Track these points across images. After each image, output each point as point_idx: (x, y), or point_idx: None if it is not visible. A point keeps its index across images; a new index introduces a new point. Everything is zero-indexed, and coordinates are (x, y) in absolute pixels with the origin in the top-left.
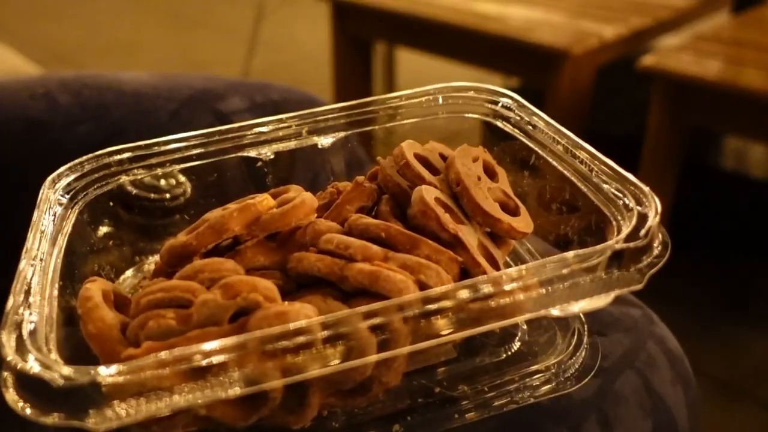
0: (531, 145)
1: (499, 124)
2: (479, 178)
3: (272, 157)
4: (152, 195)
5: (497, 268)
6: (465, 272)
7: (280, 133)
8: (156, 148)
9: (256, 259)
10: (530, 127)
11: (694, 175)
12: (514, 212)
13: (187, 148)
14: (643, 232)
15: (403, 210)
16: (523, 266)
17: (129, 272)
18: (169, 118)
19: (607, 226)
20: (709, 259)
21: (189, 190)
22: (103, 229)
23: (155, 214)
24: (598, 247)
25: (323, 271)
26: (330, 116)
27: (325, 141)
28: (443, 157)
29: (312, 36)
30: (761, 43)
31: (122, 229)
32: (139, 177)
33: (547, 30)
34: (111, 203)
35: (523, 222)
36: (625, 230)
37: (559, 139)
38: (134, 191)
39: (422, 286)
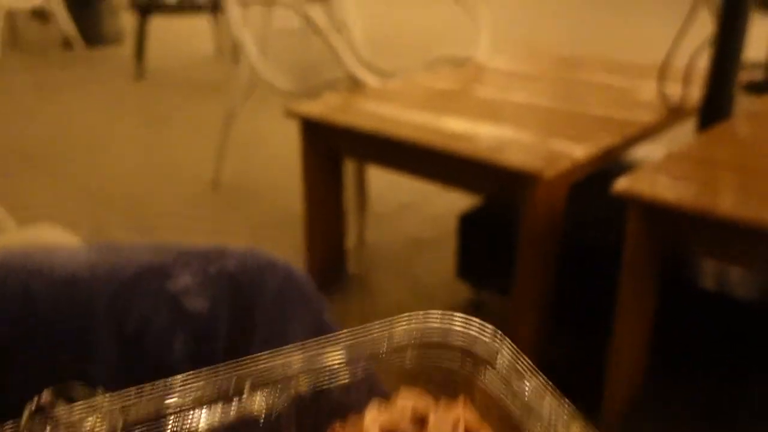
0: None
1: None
2: None
3: None
4: None
5: None
6: None
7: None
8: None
9: None
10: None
11: (675, 294)
12: None
13: None
14: None
15: None
16: None
17: None
18: (106, 306)
19: None
20: (692, 379)
21: None
22: None
23: None
24: None
25: None
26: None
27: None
28: (419, 414)
29: (284, 135)
30: (732, 162)
31: None
32: None
33: (518, 151)
34: None
35: None
36: None
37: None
38: None
39: None
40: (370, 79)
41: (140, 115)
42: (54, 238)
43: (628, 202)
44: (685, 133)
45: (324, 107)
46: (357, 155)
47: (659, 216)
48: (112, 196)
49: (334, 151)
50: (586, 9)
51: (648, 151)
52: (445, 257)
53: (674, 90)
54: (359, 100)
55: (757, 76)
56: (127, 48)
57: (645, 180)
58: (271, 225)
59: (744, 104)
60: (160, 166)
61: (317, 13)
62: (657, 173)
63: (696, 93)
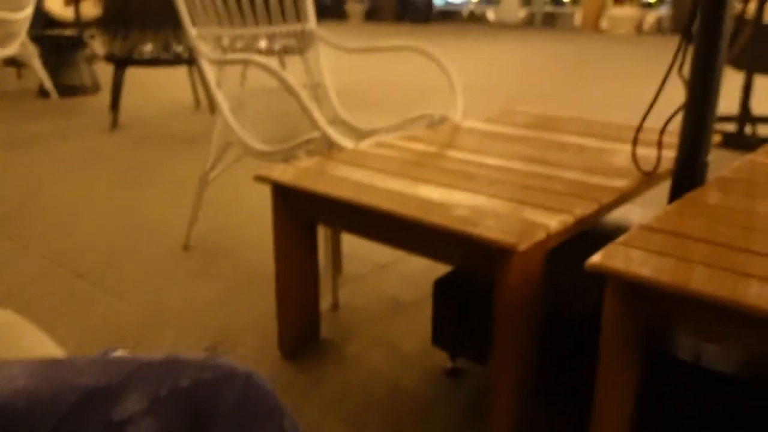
0: None
1: None
2: None
3: None
4: None
5: None
6: None
7: None
8: None
9: None
10: None
11: (658, 366)
12: None
13: None
14: None
15: None
16: None
17: None
18: None
19: None
20: None
21: None
22: None
23: None
24: None
25: None
26: None
27: None
28: None
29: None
30: (705, 235)
31: None
32: None
33: (493, 223)
34: None
35: None
36: None
37: None
38: None
39: None
40: (344, 142)
41: (114, 172)
42: (6, 328)
43: (603, 276)
44: (661, 193)
45: (296, 173)
46: (330, 223)
47: (635, 291)
48: (82, 261)
49: (307, 217)
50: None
51: (625, 210)
52: (423, 320)
53: (649, 153)
54: (333, 164)
55: (730, 128)
56: (104, 98)
57: (618, 255)
58: (244, 288)
59: (719, 161)
60: (133, 227)
61: (295, 71)
62: (630, 247)
63: (671, 156)
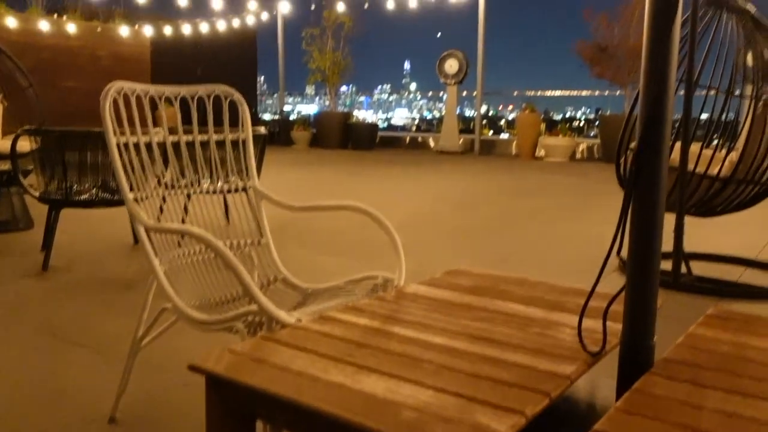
0: None
1: None
2: None
3: None
4: None
5: None
6: None
7: None
8: None
9: None
10: None
11: None
12: None
13: None
14: None
15: None
16: None
17: None
18: None
19: None
20: None
21: None
22: None
23: None
24: None
25: None
26: None
27: None
28: None
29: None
30: None
31: None
32: None
33: (441, 428)
34: None
35: None
36: None
37: None
38: None
39: None
40: (285, 317)
41: (37, 327)
42: None
43: None
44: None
45: (231, 362)
46: (270, 419)
47: None
48: None
49: (246, 411)
50: (506, 198)
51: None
52: None
53: (595, 325)
54: (272, 347)
55: (666, 266)
56: (36, 234)
57: None
58: None
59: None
60: (53, 395)
61: (240, 214)
62: None
63: (617, 328)
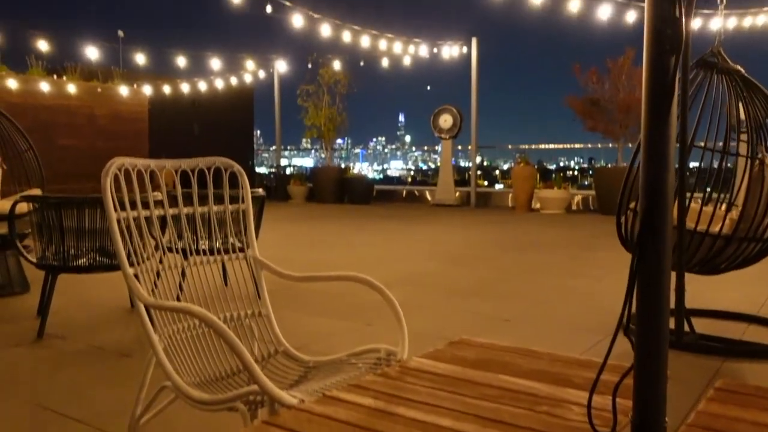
0: None
1: None
2: None
3: None
4: None
5: None
6: None
7: None
8: None
9: None
10: None
11: None
12: None
13: None
14: None
15: None
16: None
17: None
18: None
19: None
20: None
21: None
22: None
23: None
24: None
25: None
26: None
27: None
28: None
29: (202, 426)
30: None
31: None
32: None
33: None
34: None
35: None
36: None
37: None
38: None
39: None
40: (286, 398)
41: (28, 402)
42: None
43: None
44: None
45: None
46: None
47: None
48: None
49: None
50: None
51: None
52: None
53: (603, 402)
54: None
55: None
56: (33, 299)
57: None
58: None
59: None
60: None
61: (238, 277)
62: None
63: (627, 405)
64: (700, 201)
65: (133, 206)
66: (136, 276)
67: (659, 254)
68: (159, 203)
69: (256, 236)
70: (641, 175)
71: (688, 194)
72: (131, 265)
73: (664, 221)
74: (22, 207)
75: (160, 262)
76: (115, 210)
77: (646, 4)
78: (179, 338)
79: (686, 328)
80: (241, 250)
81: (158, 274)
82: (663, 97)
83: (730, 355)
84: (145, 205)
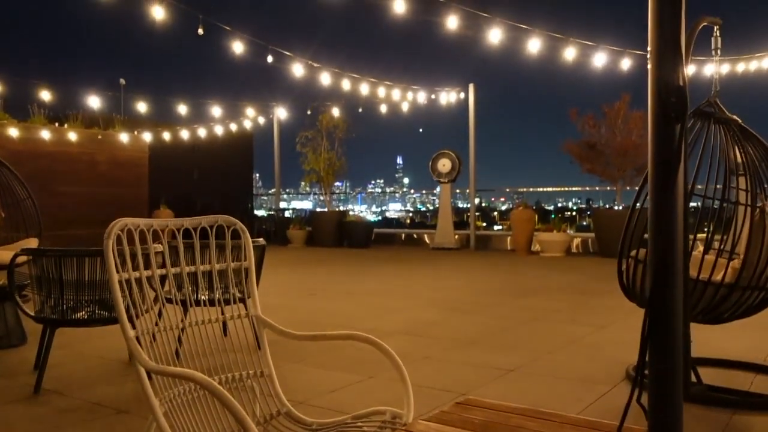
0: None
1: None
2: None
3: None
4: None
5: None
6: None
7: None
8: None
9: None
10: None
11: None
12: None
13: None
14: None
15: None
16: None
17: None
18: None
19: None
20: None
21: None
22: None
23: None
24: None
25: None
26: None
27: None
28: None
29: None
30: None
31: None
32: None
33: None
34: None
35: None
36: None
37: None
38: None
39: None
40: None
41: None
42: None
43: None
44: None
45: None
46: None
47: None
48: None
49: None
50: (507, 299)
51: None
52: None
53: None
54: None
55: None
56: (30, 351)
57: None
58: None
59: None
60: None
61: (239, 328)
62: None
63: None
64: (700, 245)
65: (135, 267)
66: (137, 338)
67: (671, 350)
68: (160, 254)
69: (257, 282)
70: (649, 247)
71: (691, 237)
72: (133, 327)
73: (677, 300)
74: (22, 258)
75: (159, 314)
76: (117, 272)
77: (649, 73)
78: (180, 402)
79: (693, 378)
80: (242, 300)
81: (156, 323)
82: (669, 165)
83: (739, 407)
84: (147, 262)
